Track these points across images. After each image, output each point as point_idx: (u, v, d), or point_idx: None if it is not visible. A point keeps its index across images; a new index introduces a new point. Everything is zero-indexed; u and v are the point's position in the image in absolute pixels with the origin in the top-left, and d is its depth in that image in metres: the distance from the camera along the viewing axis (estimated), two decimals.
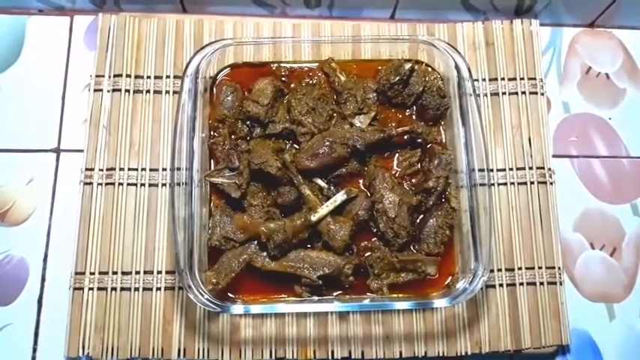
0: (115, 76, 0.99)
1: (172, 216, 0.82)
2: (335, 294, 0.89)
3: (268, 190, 0.92)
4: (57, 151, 0.99)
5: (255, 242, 0.88)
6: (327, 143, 0.90)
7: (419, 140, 0.95)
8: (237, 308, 0.83)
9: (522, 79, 1.02)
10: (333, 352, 0.90)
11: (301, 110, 0.94)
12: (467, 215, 0.86)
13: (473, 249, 0.85)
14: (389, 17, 1.08)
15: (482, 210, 0.85)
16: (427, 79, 0.97)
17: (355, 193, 0.90)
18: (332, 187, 0.92)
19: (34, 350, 0.91)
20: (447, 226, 0.90)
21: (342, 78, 0.97)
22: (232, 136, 0.95)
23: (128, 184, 0.95)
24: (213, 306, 0.81)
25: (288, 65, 0.99)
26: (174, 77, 0.99)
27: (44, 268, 0.94)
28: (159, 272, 0.92)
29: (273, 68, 0.99)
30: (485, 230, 0.84)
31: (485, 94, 1.01)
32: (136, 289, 0.91)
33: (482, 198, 0.85)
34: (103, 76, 0.99)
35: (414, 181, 0.95)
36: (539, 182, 0.98)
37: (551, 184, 0.98)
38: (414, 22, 1.05)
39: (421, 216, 0.93)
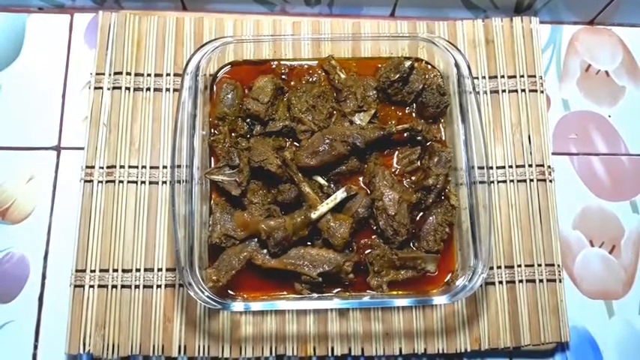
0: (115, 73, 0.99)
1: (173, 213, 0.82)
2: (335, 291, 0.90)
3: (268, 188, 0.92)
4: (57, 148, 0.99)
5: (256, 240, 0.89)
6: (327, 141, 0.90)
7: (419, 138, 0.95)
8: (238, 305, 0.83)
9: (522, 76, 1.02)
10: (332, 349, 0.90)
11: (301, 108, 0.94)
12: (466, 213, 0.87)
13: (472, 246, 0.85)
14: (389, 15, 1.08)
15: (482, 207, 0.85)
16: (427, 76, 0.97)
17: (355, 191, 0.90)
18: (332, 185, 0.92)
19: (35, 347, 0.91)
20: (446, 223, 0.91)
21: (342, 76, 0.97)
22: (232, 134, 0.95)
23: (128, 182, 0.95)
24: (214, 303, 0.82)
25: (288, 63, 0.99)
26: (175, 75, 0.99)
27: (45, 266, 0.94)
28: (159, 270, 0.92)
29: (273, 66, 0.99)
30: (484, 228, 0.84)
31: (485, 92, 1.01)
32: (137, 286, 0.91)
33: (481, 195, 0.85)
34: (104, 74, 0.99)
35: (413, 178, 0.95)
36: (538, 180, 0.98)
37: (550, 181, 0.98)
38: (414, 20, 1.05)
39: (421, 213, 0.93)
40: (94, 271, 0.91)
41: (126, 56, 1.00)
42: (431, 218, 0.91)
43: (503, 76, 1.02)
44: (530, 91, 1.02)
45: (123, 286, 0.91)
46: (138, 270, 0.92)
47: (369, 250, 0.91)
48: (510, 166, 0.98)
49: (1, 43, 1.04)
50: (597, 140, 1.05)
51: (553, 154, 1.01)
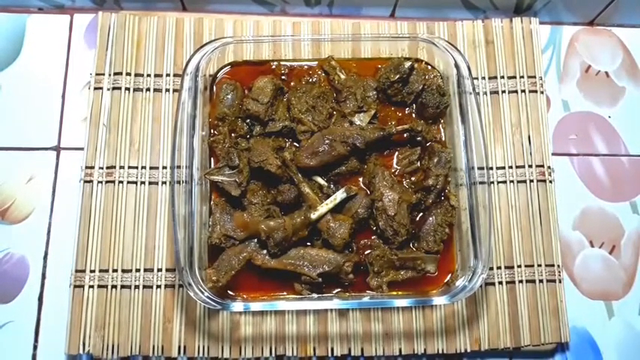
0: (115, 74, 0.99)
1: (172, 214, 0.82)
2: (335, 291, 0.90)
3: (268, 188, 0.92)
4: (57, 149, 0.99)
5: (255, 240, 0.88)
6: (327, 141, 0.90)
7: (418, 138, 0.95)
8: (237, 306, 0.83)
9: (522, 77, 1.02)
10: (332, 349, 0.90)
11: (301, 108, 0.94)
12: (466, 213, 0.87)
13: (472, 247, 0.85)
14: (389, 15, 1.08)
15: (482, 208, 0.85)
16: (427, 77, 0.97)
17: (355, 191, 0.90)
18: (332, 185, 0.92)
19: (35, 348, 0.91)
20: (446, 224, 0.91)
21: (342, 76, 0.97)
22: (232, 135, 0.95)
23: (128, 182, 0.95)
24: (214, 303, 0.82)
25: (288, 63, 0.99)
26: (175, 75, 0.99)
27: (44, 266, 0.94)
28: (159, 270, 0.92)
29: (273, 66, 0.99)
30: (484, 228, 0.84)
31: (485, 93, 1.01)
32: (137, 286, 0.91)
33: (481, 196, 0.85)
34: (103, 75, 0.99)
35: (413, 179, 0.95)
36: (538, 180, 0.98)
37: (550, 182, 0.98)
38: (414, 21, 1.05)
39: (421, 214, 0.93)
40: (94, 271, 0.91)
41: (126, 57, 1.00)
42: (431, 219, 0.91)
43: (503, 77, 1.02)
44: (530, 91, 1.02)
45: (123, 287, 0.91)
46: (138, 270, 0.92)
47: (368, 251, 0.91)
48: (510, 167, 0.98)
49: (1, 44, 1.04)
50: (597, 141, 1.05)
51: (553, 154, 1.01)
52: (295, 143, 0.95)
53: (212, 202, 0.92)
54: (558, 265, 0.94)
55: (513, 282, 0.94)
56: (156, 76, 0.99)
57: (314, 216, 0.87)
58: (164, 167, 0.96)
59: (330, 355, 0.90)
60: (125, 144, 0.96)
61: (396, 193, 0.89)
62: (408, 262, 0.89)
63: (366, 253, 0.91)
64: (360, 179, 0.94)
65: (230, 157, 0.90)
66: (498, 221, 0.96)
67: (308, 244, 0.90)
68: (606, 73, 1.08)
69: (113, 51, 1.00)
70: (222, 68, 0.98)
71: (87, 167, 0.95)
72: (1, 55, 1.03)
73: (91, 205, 0.93)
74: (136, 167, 0.96)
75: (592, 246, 1.00)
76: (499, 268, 0.94)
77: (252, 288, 0.89)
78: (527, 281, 0.94)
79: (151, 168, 0.96)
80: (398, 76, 0.94)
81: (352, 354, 0.90)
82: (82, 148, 0.96)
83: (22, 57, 1.03)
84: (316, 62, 0.99)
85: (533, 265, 0.94)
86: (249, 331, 0.90)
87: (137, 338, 0.89)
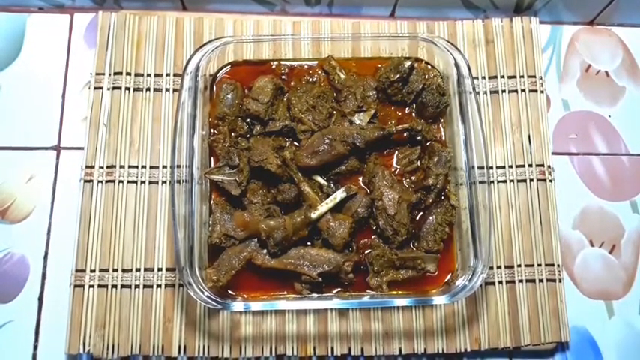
0: (115, 73, 0.99)
1: (172, 213, 0.82)
2: (335, 291, 0.90)
3: (268, 188, 0.92)
4: (57, 148, 0.99)
5: (256, 240, 0.89)
6: (327, 141, 0.90)
7: (418, 138, 0.95)
8: (238, 305, 0.83)
9: (522, 76, 1.02)
10: (332, 348, 0.90)
11: (301, 108, 0.94)
12: (466, 213, 0.87)
13: (472, 246, 0.85)
14: (389, 15, 1.08)
15: (482, 207, 0.85)
16: (427, 76, 0.97)
17: (355, 191, 0.90)
18: (332, 185, 0.92)
19: (35, 347, 0.91)
20: (446, 223, 0.91)
21: (342, 76, 0.97)
22: (232, 134, 0.95)
23: (128, 182, 0.95)
24: (214, 303, 0.82)
25: (288, 63, 0.99)
26: (175, 75, 0.99)
27: (45, 266, 0.94)
28: (159, 269, 0.92)
29: (273, 66, 0.99)
30: (484, 227, 0.84)
31: (485, 92, 1.01)
32: (137, 286, 0.91)
33: (481, 195, 0.85)
34: (103, 74, 0.99)
35: (413, 178, 0.95)
36: (538, 180, 0.98)
37: (550, 181, 0.98)
38: (414, 20, 1.05)
39: (421, 213, 0.93)
40: (94, 270, 0.91)
41: (126, 56, 1.00)
42: (431, 218, 0.91)
43: (503, 76, 1.02)
44: (530, 91, 1.02)
45: (123, 286, 0.91)
46: (138, 270, 0.92)
47: (368, 250, 0.91)
48: (510, 166, 0.98)
49: (1, 44, 1.04)
50: (597, 140, 1.05)
51: (553, 154, 1.01)
52: (295, 143, 0.95)
53: (212, 202, 0.92)
54: (558, 265, 0.95)
55: (513, 281, 0.94)
56: (156, 75, 1.00)
57: (314, 215, 0.87)
58: (164, 167, 0.96)
59: (330, 354, 0.90)
60: (125, 143, 0.96)
61: (396, 192, 0.89)
62: (408, 262, 0.89)
63: (366, 252, 0.91)
64: (360, 179, 0.94)
65: (230, 156, 0.90)
66: (498, 221, 0.96)
67: (308, 243, 0.90)
68: (606, 72, 1.08)
69: (113, 51, 1.00)
70: (222, 68, 0.98)
71: (87, 167, 0.95)
72: (1, 55, 1.03)
73: (91, 204, 0.93)
74: (136, 167, 0.96)
75: (592, 245, 1.00)
76: (499, 267, 0.94)
77: (253, 287, 0.89)
78: (527, 280, 0.94)
79: (151, 167, 0.96)
80: (398, 76, 0.94)
81: (352, 353, 0.91)
82: (82, 148, 0.96)
83: (22, 57, 1.03)
84: (316, 62, 0.99)
85: (533, 265, 0.94)
86: (249, 330, 0.90)
87: (137, 338, 0.89)
